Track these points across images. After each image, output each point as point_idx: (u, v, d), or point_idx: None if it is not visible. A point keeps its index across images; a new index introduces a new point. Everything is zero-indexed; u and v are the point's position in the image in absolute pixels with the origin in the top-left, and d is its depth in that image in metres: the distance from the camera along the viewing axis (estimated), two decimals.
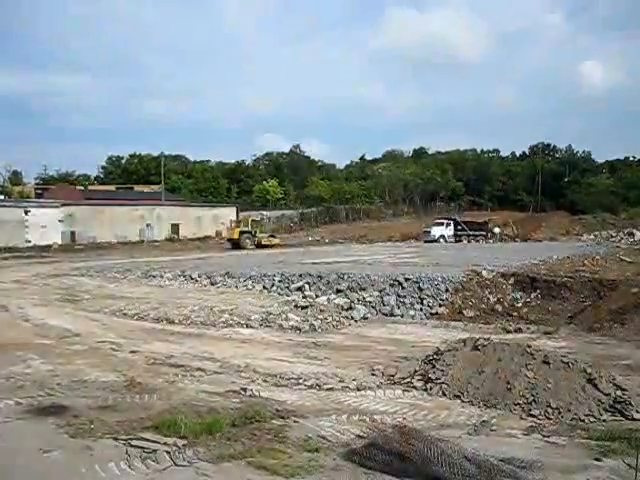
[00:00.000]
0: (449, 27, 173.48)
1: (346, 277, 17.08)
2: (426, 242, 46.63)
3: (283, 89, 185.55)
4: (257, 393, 7.42)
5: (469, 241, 48.50)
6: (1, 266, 27.61)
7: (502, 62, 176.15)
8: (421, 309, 15.05)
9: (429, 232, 49.07)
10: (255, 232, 43.03)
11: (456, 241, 48.19)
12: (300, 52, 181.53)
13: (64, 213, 46.12)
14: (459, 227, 50.78)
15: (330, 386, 7.86)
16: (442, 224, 50.50)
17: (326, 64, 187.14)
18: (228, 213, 61.64)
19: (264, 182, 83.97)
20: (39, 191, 72.78)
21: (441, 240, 47.61)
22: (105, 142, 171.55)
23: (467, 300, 15.20)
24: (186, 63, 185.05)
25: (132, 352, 9.98)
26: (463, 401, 7.01)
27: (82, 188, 76.99)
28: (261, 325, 12.70)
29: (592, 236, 46.93)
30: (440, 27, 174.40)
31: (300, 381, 8.12)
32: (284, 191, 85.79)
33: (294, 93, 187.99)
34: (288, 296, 16.32)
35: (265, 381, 8.13)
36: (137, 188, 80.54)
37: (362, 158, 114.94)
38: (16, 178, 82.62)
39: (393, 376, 8.29)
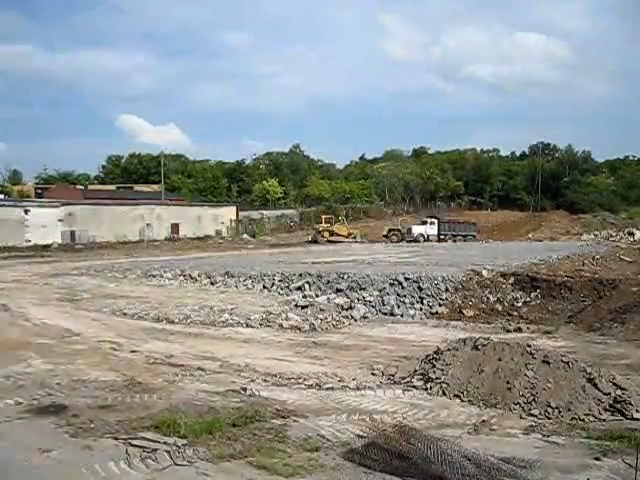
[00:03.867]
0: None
1: (346, 276, 17.07)
2: (408, 241, 45.31)
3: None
4: (257, 392, 7.41)
5: (454, 241, 47.12)
6: (1, 266, 27.60)
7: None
8: (421, 309, 15.05)
9: (410, 230, 48.09)
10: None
11: (439, 240, 46.98)
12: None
13: (64, 213, 46.08)
14: (444, 226, 49.61)
15: (330, 385, 7.86)
16: (426, 222, 49.55)
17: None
18: (228, 213, 61.67)
19: (264, 182, 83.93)
20: (39, 190, 72.79)
21: (421, 239, 46.50)
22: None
23: (467, 300, 15.20)
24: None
25: (132, 352, 9.97)
26: (463, 400, 7.01)
27: (82, 187, 76.98)
28: (261, 325, 12.70)
29: (592, 236, 46.98)
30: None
31: (300, 380, 8.12)
32: (284, 190, 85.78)
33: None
34: (288, 295, 16.32)
35: (265, 380, 8.13)
36: (137, 188, 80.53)
37: (362, 157, 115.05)
38: (16, 177, 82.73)
39: (393, 375, 8.29)
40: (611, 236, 44.92)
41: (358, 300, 15.25)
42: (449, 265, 19.43)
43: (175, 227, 54.38)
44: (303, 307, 14.30)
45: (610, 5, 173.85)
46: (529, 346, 7.55)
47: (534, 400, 6.66)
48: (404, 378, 8.03)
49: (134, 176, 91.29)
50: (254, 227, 61.14)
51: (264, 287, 17.68)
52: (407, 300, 15.37)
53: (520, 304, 15.04)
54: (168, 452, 5.28)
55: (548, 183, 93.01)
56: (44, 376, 8.18)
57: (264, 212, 68.34)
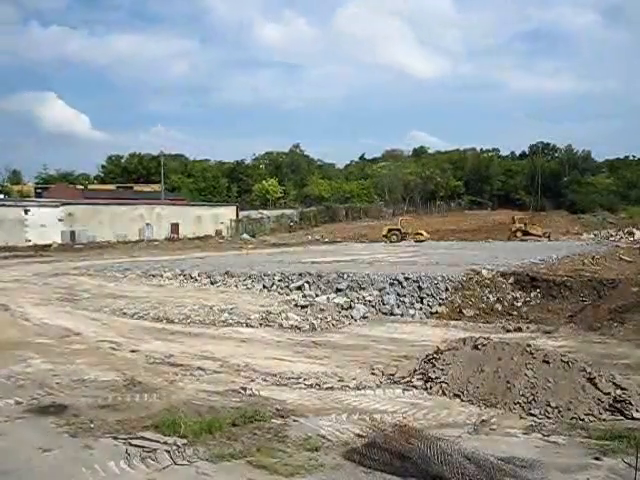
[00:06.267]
0: None
1: (346, 276, 17.05)
2: None
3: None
4: (257, 392, 7.42)
5: None
6: (1, 265, 27.59)
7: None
8: (421, 308, 15.03)
9: None
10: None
11: None
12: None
13: (64, 212, 46.05)
14: None
15: (330, 385, 7.87)
16: None
17: None
18: (228, 212, 61.67)
19: (264, 181, 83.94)
20: (39, 190, 72.81)
21: None
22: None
23: (467, 299, 15.18)
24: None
25: (132, 351, 9.98)
26: (463, 400, 7.01)
27: (82, 187, 76.95)
28: (261, 324, 12.70)
29: (592, 235, 46.91)
30: None
31: (300, 380, 8.12)
32: (284, 190, 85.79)
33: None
34: (288, 295, 16.31)
35: (265, 380, 8.13)
36: (137, 187, 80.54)
37: (362, 157, 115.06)
38: (16, 177, 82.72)
39: (393, 375, 8.30)
40: (611, 236, 44.87)
41: (358, 300, 15.24)
42: (449, 265, 19.41)
43: (175, 227, 54.34)
44: (303, 307, 14.30)
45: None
46: (529, 346, 7.55)
47: (534, 400, 6.66)
48: (404, 378, 8.03)
49: (134, 176, 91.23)
50: (254, 227, 61.12)
51: (264, 287, 17.66)
52: (407, 300, 15.35)
53: (520, 304, 15.03)
54: (168, 452, 5.29)
55: (548, 183, 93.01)
56: (44, 376, 8.19)
57: (264, 212, 68.34)
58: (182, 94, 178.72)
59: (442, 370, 7.56)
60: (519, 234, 45.40)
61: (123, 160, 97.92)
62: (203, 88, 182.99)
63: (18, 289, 18.40)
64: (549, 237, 44.76)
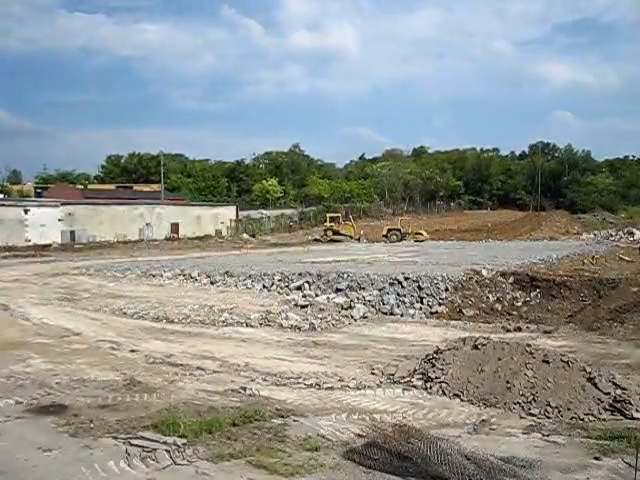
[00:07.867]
0: None
1: (346, 276, 17.05)
2: None
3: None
4: (257, 392, 7.42)
5: None
6: (1, 265, 27.58)
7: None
8: (421, 308, 15.03)
9: None
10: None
11: None
12: None
13: (64, 212, 45.99)
14: None
15: (330, 385, 7.87)
16: None
17: None
18: (228, 212, 61.64)
19: (264, 181, 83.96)
20: (39, 190, 72.75)
21: None
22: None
23: (467, 299, 15.18)
24: None
25: (132, 351, 9.98)
26: (463, 400, 7.02)
27: (82, 187, 76.91)
28: (261, 324, 12.70)
29: (592, 235, 46.88)
30: None
31: (300, 380, 8.12)
32: (284, 190, 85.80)
33: None
34: (288, 295, 16.31)
35: (265, 380, 8.14)
36: (137, 187, 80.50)
37: (362, 157, 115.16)
38: (15, 177, 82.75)
39: (393, 375, 8.30)
40: (611, 236, 44.84)
41: (358, 300, 15.24)
42: (449, 265, 19.41)
43: (175, 227, 54.28)
44: (303, 307, 14.30)
45: None
46: (529, 346, 7.56)
47: (534, 399, 6.66)
48: (404, 378, 8.04)
49: (134, 176, 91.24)
50: (254, 227, 61.08)
51: (264, 287, 17.66)
52: (407, 300, 15.35)
53: (520, 304, 15.03)
54: (168, 451, 5.29)
55: (548, 183, 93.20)
56: (44, 376, 8.19)
57: (264, 212, 68.28)
58: (182, 93, 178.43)
59: (442, 370, 7.56)
60: (329, 233, 46.60)
61: (123, 160, 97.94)
62: (203, 87, 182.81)
63: (18, 289, 18.39)
64: (359, 239, 45.68)
